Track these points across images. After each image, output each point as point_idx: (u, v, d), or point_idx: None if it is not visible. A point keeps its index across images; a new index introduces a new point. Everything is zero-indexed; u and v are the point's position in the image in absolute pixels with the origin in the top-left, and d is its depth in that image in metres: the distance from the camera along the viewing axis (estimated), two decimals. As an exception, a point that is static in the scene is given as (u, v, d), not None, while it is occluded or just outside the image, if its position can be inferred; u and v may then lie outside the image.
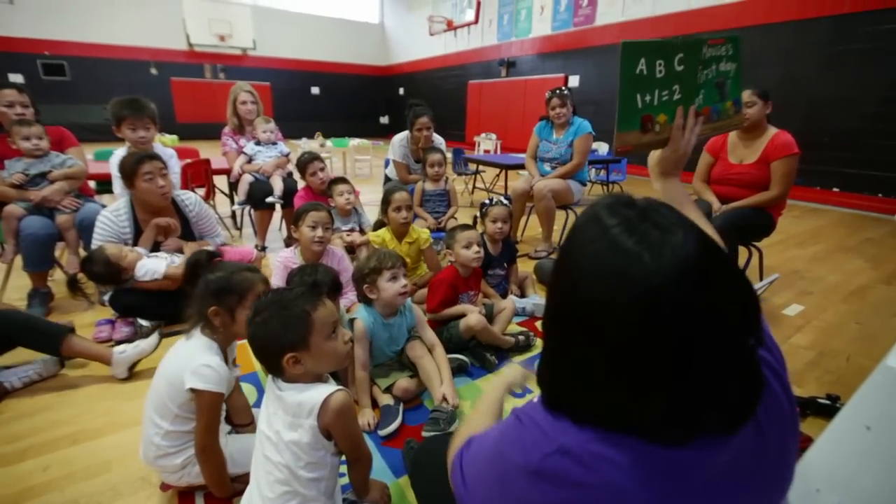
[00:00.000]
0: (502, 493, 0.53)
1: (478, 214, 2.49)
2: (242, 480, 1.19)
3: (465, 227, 2.05)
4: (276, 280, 1.99)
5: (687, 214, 0.76)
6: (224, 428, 1.28)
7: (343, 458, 1.04)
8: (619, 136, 0.89)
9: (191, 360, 1.09)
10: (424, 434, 1.44)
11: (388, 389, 1.61)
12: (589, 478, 0.47)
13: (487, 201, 2.38)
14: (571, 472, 0.47)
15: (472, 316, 1.83)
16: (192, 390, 1.07)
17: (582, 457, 0.47)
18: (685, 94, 0.92)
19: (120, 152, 2.44)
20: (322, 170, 2.85)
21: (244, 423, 1.35)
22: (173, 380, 1.09)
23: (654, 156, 0.92)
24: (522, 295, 2.47)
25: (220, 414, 1.12)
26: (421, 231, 2.43)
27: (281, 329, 0.94)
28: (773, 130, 2.43)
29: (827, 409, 1.55)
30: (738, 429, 0.48)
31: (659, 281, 0.43)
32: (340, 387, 1.00)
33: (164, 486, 1.21)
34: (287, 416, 0.96)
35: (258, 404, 1.59)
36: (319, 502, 0.97)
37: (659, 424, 0.47)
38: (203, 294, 1.15)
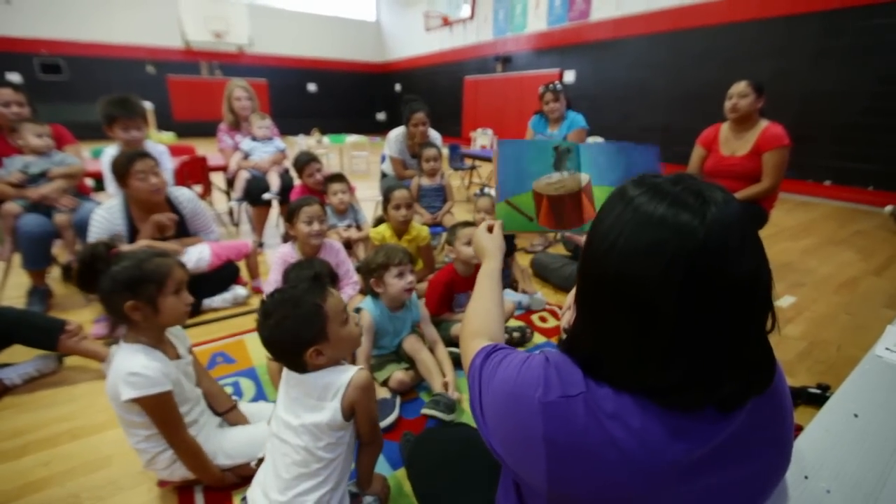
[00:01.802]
0: (515, 423, 0.54)
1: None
2: (236, 472, 1.22)
3: (467, 223, 2.04)
4: (275, 275, 2.00)
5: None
6: (214, 420, 1.28)
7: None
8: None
9: (119, 372, 1.05)
10: (424, 412, 1.49)
11: (384, 383, 1.63)
12: (596, 431, 0.48)
13: (479, 192, 2.40)
14: (581, 419, 0.49)
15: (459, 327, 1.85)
16: (132, 400, 1.04)
17: (595, 410, 0.49)
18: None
19: (111, 151, 2.43)
20: (319, 171, 2.86)
21: (226, 408, 1.33)
22: (114, 396, 1.07)
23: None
24: (520, 290, 2.49)
25: (171, 410, 1.10)
26: (421, 228, 2.44)
27: (298, 327, 0.94)
28: (764, 123, 2.45)
29: (817, 399, 1.57)
30: (750, 399, 0.49)
31: (703, 238, 0.43)
32: (361, 366, 1.04)
33: (162, 483, 1.22)
34: (311, 398, 0.98)
35: (255, 400, 1.60)
36: (330, 485, 0.99)
37: (678, 386, 0.47)
38: (112, 289, 1.06)
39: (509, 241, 2.47)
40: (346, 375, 0.99)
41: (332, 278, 1.58)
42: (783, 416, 0.55)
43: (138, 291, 1.07)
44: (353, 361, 1.64)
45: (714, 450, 0.49)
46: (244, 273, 2.51)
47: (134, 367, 1.04)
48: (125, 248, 1.94)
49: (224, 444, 1.21)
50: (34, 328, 1.66)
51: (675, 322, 0.45)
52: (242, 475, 1.22)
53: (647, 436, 0.47)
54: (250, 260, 2.47)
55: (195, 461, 1.15)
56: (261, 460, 1.10)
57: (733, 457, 0.50)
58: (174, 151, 2.88)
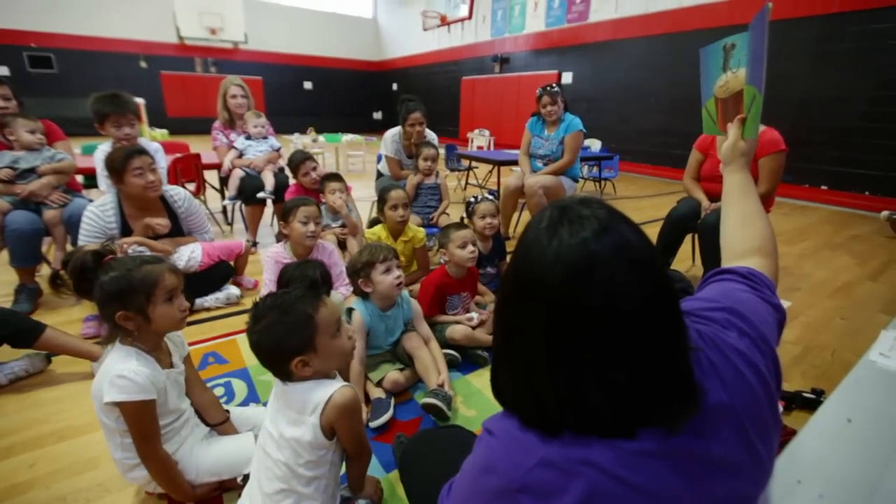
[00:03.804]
0: None
1: (464, 214, 2.49)
2: (222, 486, 1.19)
3: (460, 225, 2.02)
4: (268, 275, 1.98)
5: (755, 207, 0.81)
6: (200, 432, 1.24)
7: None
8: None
9: (107, 373, 1.03)
10: (425, 401, 1.50)
11: (378, 383, 1.62)
12: (574, 484, 0.46)
13: (473, 199, 2.37)
14: (556, 481, 0.47)
15: (458, 329, 1.84)
16: (114, 403, 1.01)
17: (564, 465, 0.47)
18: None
19: (104, 147, 2.39)
20: (314, 169, 2.84)
21: (217, 421, 1.28)
22: (98, 396, 1.04)
23: (736, 146, 0.89)
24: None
25: (150, 421, 1.06)
26: (417, 230, 2.42)
27: (285, 335, 0.92)
28: (760, 128, 2.45)
29: (812, 403, 1.58)
30: (679, 426, 0.48)
31: (547, 263, 0.46)
32: (347, 383, 0.99)
33: (148, 492, 1.20)
34: (291, 412, 0.95)
35: (246, 403, 1.59)
36: (317, 501, 0.96)
37: (606, 419, 0.47)
38: (103, 299, 1.05)
39: (501, 244, 2.46)
40: (325, 391, 0.94)
41: (326, 280, 1.56)
42: (760, 428, 0.53)
43: (127, 302, 1.04)
44: (348, 372, 1.63)
45: (684, 470, 0.47)
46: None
47: (123, 369, 1.02)
48: (125, 241, 1.91)
49: (208, 460, 1.16)
50: (10, 326, 1.60)
51: (546, 347, 0.47)
52: (227, 488, 1.20)
53: (620, 470, 0.46)
54: (240, 260, 2.44)
55: (165, 477, 1.10)
56: (247, 476, 1.08)
57: (705, 474, 0.48)
58: (167, 148, 2.86)
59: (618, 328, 0.45)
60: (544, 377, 0.49)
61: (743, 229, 0.82)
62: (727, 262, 0.80)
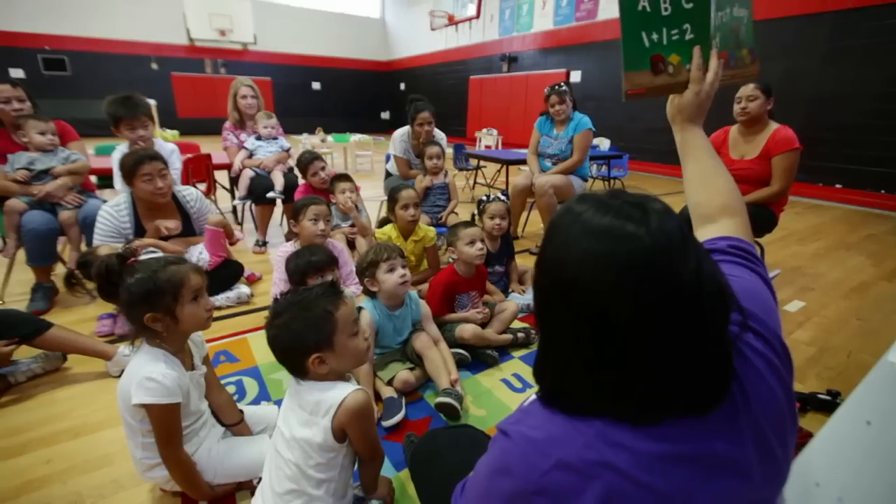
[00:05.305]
0: None
1: (475, 212, 2.49)
2: (240, 486, 1.20)
3: (468, 223, 2.02)
4: (278, 274, 1.99)
5: (710, 164, 0.79)
6: (217, 432, 1.25)
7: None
8: (628, 76, 0.82)
9: (136, 374, 1.04)
10: (437, 400, 1.51)
11: (388, 382, 1.62)
12: (592, 487, 0.46)
13: (484, 198, 2.37)
14: (573, 484, 0.47)
15: (467, 328, 1.84)
16: (141, 405, 1.02)
17: (581, 467, 0.47)
18: (698, 35, 0.84)
19: (122, 148, 2.43)
20: (323, 169, 2.85)
21: (232, 422, 1.30)
22: (125, 396, 1.05)
23: (673, 103, 0.86)
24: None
25: (175, 424, 1.07)
26: (427, 229, 2.42)
27: (304, 330, 0.93)
28: (774, 125, 2.42)
29: (827, 405, 1.55)
30: (709, 410, 0.48)
31: (650, 243, 0.45)
32: (360, 387, 0.99)
33: (163, 489, 1.21)
34: (303, 412, 0.96)
35: (257, 401, 1.60)
36: (327, 503, 0.96)
37: (637, 406, 0.48)
38: (131, 302, 1.05)
39: (509, 244, 2.45)
40: (339, 393, 0.94)
41: (332, 261, 1.58)
42: (778, 427, 0.52)
43: (155, 303, 1.05)
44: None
45: (698, 473, 0.47)
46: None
47: (153, 372, 1.03)
48: (137, 243, 1.93)
49: (225, 462, 1.17)
50: (11, 326, 1.61)
51: (629, 330, 0.46)
52: (244, 488, 1.21)
53: (637, 473, 0.46)
54: (227, 228, 2.35)
55: (185, 478, 1.11)
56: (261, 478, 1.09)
57: (720, 475, 0.48)
58: (179, 149, 2.88)
59: (699, 298, 0.46)
60: (612, 362, 0.48)
61: (702, 189, 0.79)
62: (696, 227, 0.79)
